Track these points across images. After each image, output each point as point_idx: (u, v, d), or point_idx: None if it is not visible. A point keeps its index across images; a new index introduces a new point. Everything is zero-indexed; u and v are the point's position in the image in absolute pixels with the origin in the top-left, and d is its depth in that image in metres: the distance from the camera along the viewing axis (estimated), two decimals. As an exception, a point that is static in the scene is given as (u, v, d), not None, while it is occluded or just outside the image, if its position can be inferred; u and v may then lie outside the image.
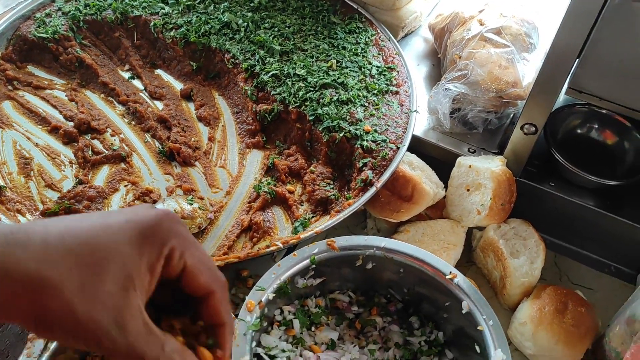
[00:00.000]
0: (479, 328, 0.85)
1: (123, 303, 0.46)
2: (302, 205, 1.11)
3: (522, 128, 1.07)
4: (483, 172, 1.09)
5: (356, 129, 1.12)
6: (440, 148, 1.21)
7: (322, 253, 0.93)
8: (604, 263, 1.18)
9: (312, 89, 1.19)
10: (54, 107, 1.26)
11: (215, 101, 1.29)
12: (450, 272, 0.91)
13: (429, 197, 1.10)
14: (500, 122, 1.24)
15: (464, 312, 0.87)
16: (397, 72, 1.26)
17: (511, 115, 1.25)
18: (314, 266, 0.92)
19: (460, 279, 0.90)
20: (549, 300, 1.00)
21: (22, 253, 0.43)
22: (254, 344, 0.86)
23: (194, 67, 1.35)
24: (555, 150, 1.13)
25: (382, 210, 1.11)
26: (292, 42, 1.30)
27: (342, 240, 0.94)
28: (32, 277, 0.43)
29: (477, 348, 0.85)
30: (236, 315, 0.85)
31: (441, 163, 1.19)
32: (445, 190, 1.15)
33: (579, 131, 1.20)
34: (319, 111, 1.15)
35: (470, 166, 1.11)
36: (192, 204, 1.09)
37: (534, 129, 1.06)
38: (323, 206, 1.09)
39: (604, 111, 1.16)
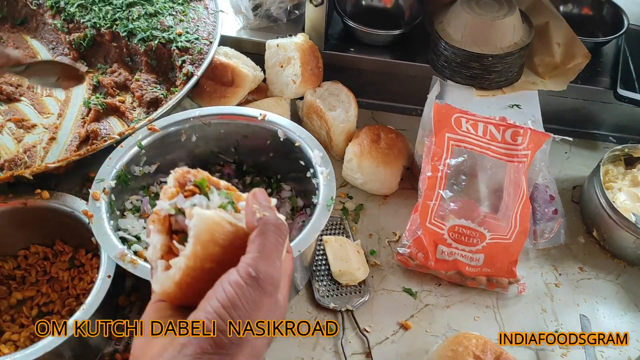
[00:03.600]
0: (297, 144, 0.98)
1: None
2: (135, 110, 1.18)
3: (310, 1, 1.23)
4: (289, 46, 1.23)
5: (169, 35, 1.21)
6: (253, 42, 1.34)
7: (147, 137, 0.98)
8: (411, 108, 1.39)
9: (119, 9, 1.25)
10: None
11: (28, 44, 1.31)
12: (260, 114, 1.02)
13: (248, 79, 1.23)
14: (301, 11, 1.39)
15: (282, 139, 1.00)
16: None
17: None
18: (143, 151, 0.98)
19: (270, 115, 1.02)
20: (365, 136, 1.18)
21: None
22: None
23: (-1, 17, 1.35)
24: (348, 19, 1.30)
25: (210, 100, 1.21)
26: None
27: (161, 121, 1.01)
28: None
29: (302, 163, 0.98)
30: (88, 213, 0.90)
31: (258, 56, 1.32)
32: (265, 74, 1.29)
33: (363, 3, 1.39)
34: (130, 26, 1.22)
35: (277, 45, 1.25)
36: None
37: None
38: (155, 106, 1.17)
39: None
